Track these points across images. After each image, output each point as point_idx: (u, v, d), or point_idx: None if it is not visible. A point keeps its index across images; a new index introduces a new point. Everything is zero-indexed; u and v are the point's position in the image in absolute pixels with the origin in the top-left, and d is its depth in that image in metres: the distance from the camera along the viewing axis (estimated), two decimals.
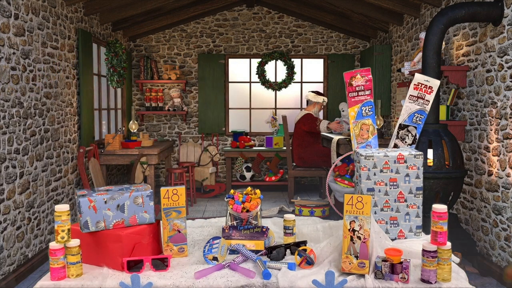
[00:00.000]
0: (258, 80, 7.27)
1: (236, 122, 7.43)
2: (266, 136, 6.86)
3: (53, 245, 1.27)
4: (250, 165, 6.87)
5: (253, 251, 1.45)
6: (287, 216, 1.54)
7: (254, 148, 6.71)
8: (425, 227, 1.47)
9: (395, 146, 1.65)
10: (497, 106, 3.45)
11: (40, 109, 3.94)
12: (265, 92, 7.40)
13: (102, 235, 1.37)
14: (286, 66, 7.24)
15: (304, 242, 1.47)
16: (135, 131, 5.78)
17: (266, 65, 7.24)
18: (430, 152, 3.34)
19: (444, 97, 4.40)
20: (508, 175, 3.32)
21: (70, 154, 4.64)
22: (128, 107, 6.84)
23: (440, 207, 1.26)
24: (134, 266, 1.33)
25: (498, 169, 3.45)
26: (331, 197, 5.16)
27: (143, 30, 6.75)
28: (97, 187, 1.58)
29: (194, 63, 7.26)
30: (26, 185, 3.66)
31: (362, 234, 1.25)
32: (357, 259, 1.26)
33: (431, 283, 1.23)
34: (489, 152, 3.56)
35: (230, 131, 7.27)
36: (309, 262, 1.33)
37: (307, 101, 6.03)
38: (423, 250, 1.23)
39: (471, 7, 3.43)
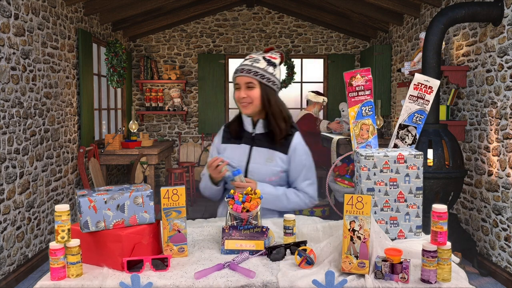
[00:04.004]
0: None
1: None
2: None
3: (53, 245, 1.27)
4: None
5: (253, 251, 1.45)
6: (287, 216, 1.54)
7: None
8: (425, 227, 1.47)
9: (395, 146, 1.65)
10: (497, 106, 3.45)
11: (40, 109, 3.94)
12: None
13: (102, 235, 1.37)
14: (286, 66, 7.24)
15: (304, 242, 1.47)
16: (135, 131, 5.78)
17: None
18: (430, 152, 3.34)
19: (444, 97, 4.40)
20: (508, 175, 3.32)
21: (70, 154, 4.65)
22: (128, 107, 6.84)
23: (440, 207, 1.26)
24: (134, 266, 1.33)
25: (498, 169, 3.45)
26: (331, 197, 5.16)
27: (143, 30, 6.74)
28: (97, 187, 1.58)
29: (194, 63, 7.26)
30: (26, 185, 3.66)
31: (362, 234, 1.25)
32: (357, 259, 1.26)
33: (431, 283, 1.23)
34: (489, 152, 3.56)
35: None
36: (309, 262, 1.33)
37: (307, 101, 6.03)
38: (423, 250, 1.23)
39: (471, 7, 3.43)
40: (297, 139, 1.96)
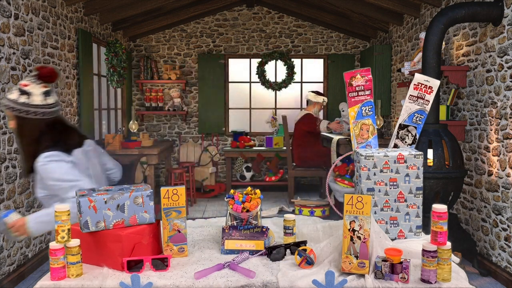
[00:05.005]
0: (258, 80, 7.26)
1: (236, 122, 7.43)
2: (266, 136, 6.86)
3: (53, 245, 1.27)
4: (250, 165, 6.87)
5: (253, 251, 1.45)
6: (287, 216, 1.54)
7: (254, 148, 6.71)
8: (425, 227, 1.47)
9: (395, 146, 1.65)
10: (497, 106, 3.45)
11: None
12: (265, 92, 7.40)
13: (102, 235, 1.37)
14: (286, 66, 7.24)
15: (304, 242, 1.47)
16: (135, 131, 5.78)
17: (266, 65, 7.24)
18: (430, 152, 3.34)
19: (444, 97, 4.40)
20: (508, 175, 3.32)
21: None
22: (128, 107, 6.84)
23: (440, 207, 1.26)
24: (134, 266, 1.33)
25: (498, 169, 3.45)
26: (331, 197, 5.16)
27: (143, 30, 6.74)
28: (97, 187, 1.58)
29: (194, 63, 7.26)
30: (26, 185, 3.66)
31: (362, 234, 1.25)
32: (357, 259, 1.26)
33: (431, 283, 1.23)
34: (489, 152, 3.56)
35: (230, 131, 7.27)
36: (309, 262, 1.33)
37: (307, 101, 6.03)
38: (423, 250, 1.24)
39: (471, 7, 3.43)
40: (37, 166, 1.84)
